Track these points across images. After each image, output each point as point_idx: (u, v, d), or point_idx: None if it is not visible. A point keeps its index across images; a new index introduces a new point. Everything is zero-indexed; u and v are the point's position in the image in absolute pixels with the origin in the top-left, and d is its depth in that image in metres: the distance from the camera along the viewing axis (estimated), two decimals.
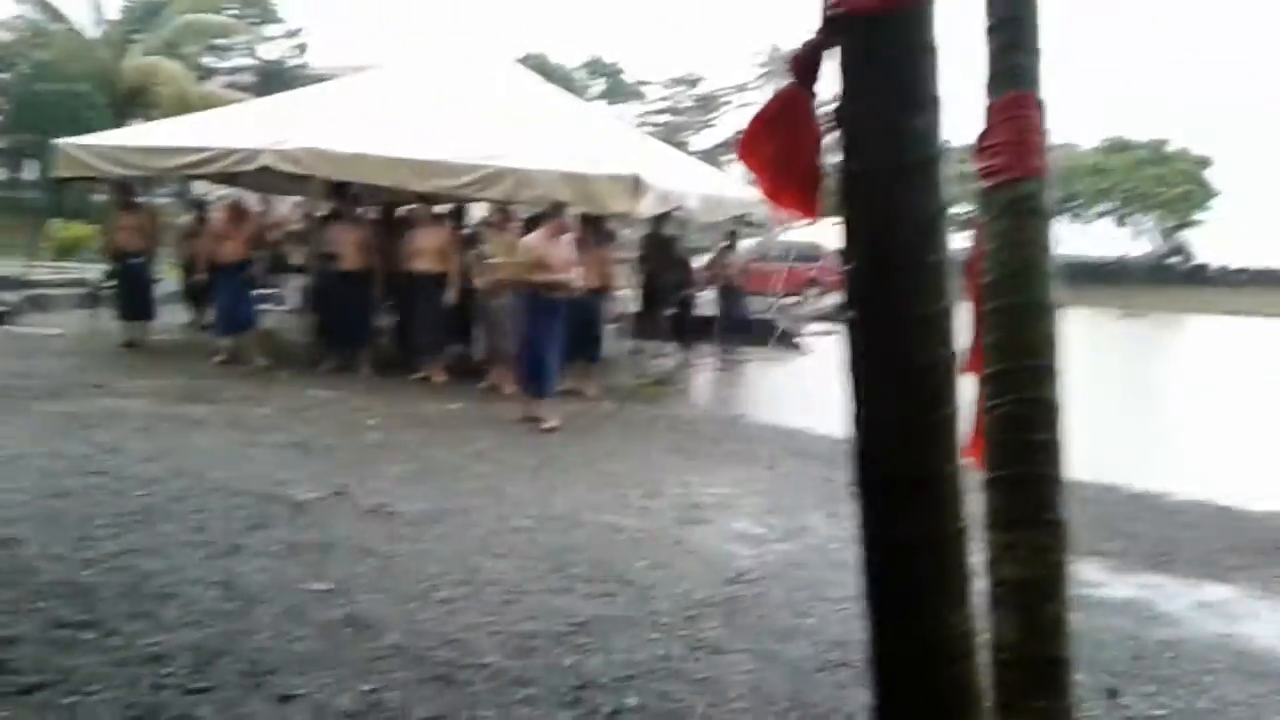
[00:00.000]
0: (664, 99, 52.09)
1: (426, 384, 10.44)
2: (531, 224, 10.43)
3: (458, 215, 12.38)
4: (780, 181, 2.25)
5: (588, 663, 3.99)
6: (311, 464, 6.86)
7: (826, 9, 1.99)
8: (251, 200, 14.36)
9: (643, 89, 51.82)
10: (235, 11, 32.99)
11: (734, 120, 60.86)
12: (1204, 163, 44.36)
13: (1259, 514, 7.13)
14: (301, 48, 41.14)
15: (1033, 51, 2.23)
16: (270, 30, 39.87)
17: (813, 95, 2.13)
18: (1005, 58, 2.21)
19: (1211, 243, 47.49)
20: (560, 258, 8.75)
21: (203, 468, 6.50)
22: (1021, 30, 2.22)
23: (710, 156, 39.20)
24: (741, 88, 56.40)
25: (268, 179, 12.33)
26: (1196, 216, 44.99)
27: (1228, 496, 7.59)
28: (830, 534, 5.97)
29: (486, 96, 12.28)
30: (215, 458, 6.81)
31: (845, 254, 2.05)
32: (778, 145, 2.19)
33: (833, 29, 2.00)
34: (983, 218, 2.26)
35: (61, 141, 12.22)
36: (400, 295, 11.17)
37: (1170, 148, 44.83)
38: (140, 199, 12.82)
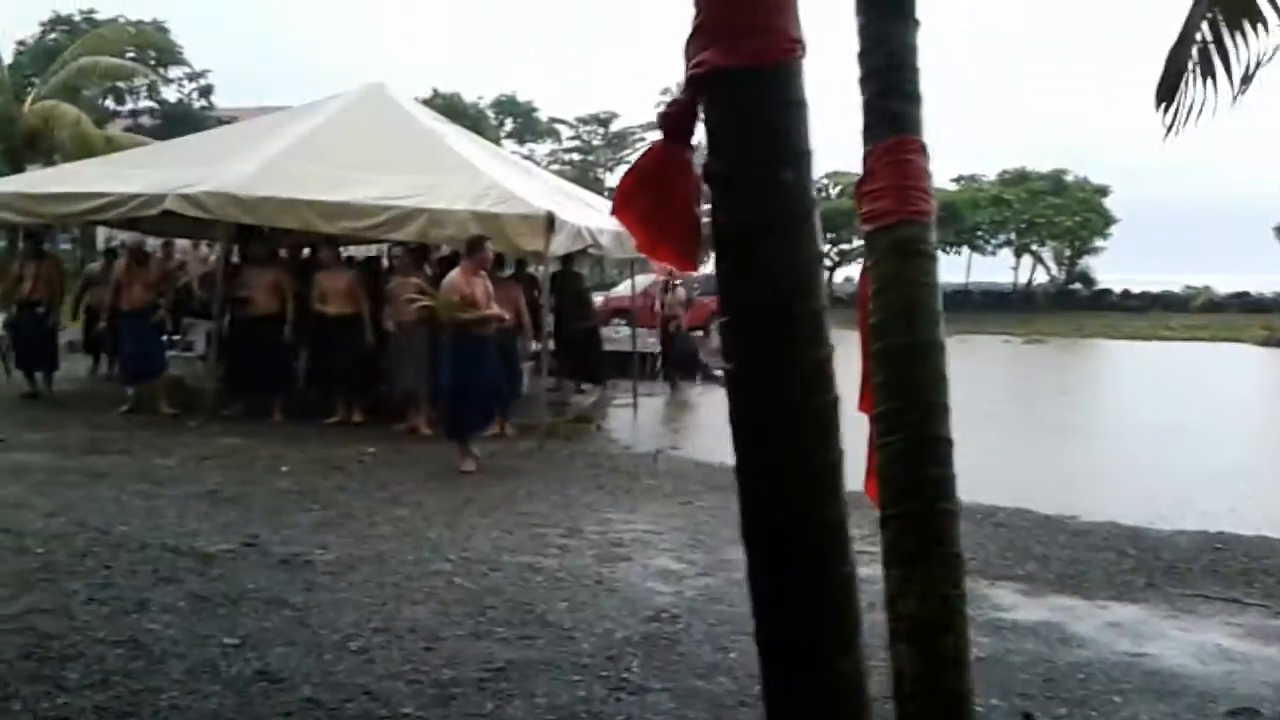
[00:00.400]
0: (576, 137, 52.39)
1: (340, 428, 10.30)
2: (446, 263, 10.46)
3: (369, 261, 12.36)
4: (656, 236, 2.28)
5: (508, 709, 3.95)
6: (222, 514, 6.70)
7: (690, 67, 2.02)
8: (155, 245, 14.13)
9: (556, 127, 52.02)
10: (135, 54, 32.36)
11: None
12: (1102, 191, 45.91)
13: (1165, 533, 7.35)
14: (205, 90, 40.56)
15: (912, 97, 2.30)
16: (173, 72, 39.26)
17: (686, 150, 2.16)
18: (883, 104, 2.27)
19: (1111, 269, 49.13)
20: (482, 294, 8.65)
21: (108, 521, 6.32)
22: (900, 76, 2.29)
23: None
24: (651, 125, 57.04)
25: (172, 223, 12.11)
26: (1096, 243, 46.46)
27: (1135, 517, 7.81)
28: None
29: (396, 137, 12.23)
30: (121, 511, 6.63)
31: (721, 306, 2.09)
32: (652, 200, 2.22)
33: (699, 86, 2.03)
34: (868, 260, 2.32)
35: None
36: (313, 338, 11.02)
37: (1069, 178, 46.29)
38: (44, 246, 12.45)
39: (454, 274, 8.75)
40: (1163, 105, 4.25)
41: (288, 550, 5.91)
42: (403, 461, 8.81)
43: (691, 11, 2.01)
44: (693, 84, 2.04)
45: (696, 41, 2.00)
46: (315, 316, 10.77)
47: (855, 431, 2.58)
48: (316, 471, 8.20)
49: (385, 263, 12.96)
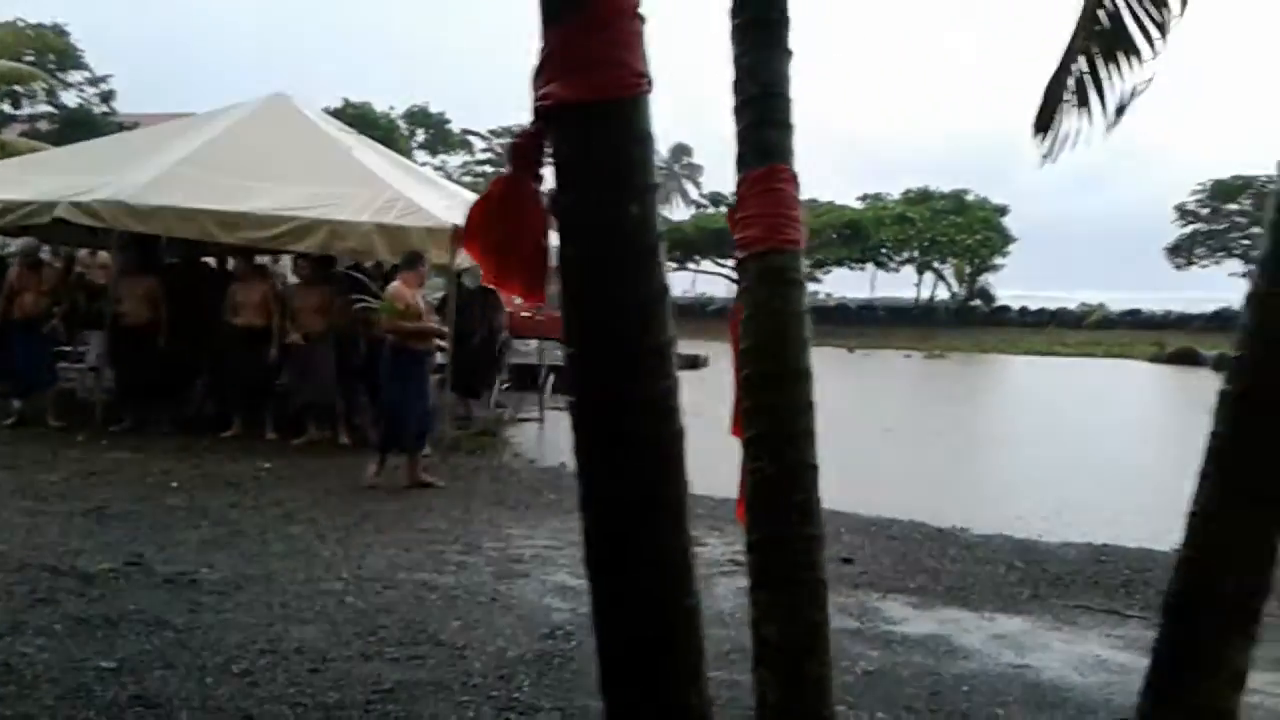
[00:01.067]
0: (489, 150, 52.12)
1: (235, 442, 10.07)
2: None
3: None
4: (504, 267, 2.28)
5: None
6: (106, 532, 6.50)
7: (536, 99, 2.02)
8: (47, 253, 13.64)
9: (469, 139, 51.72)
10: (33, 58, 31.39)
11: None
12: (1002, 210, 47.26)
13: (1052, 545, 7.56)
14: (106, 95, 39.40)
15: (785, 126, 2.33)
16: (74, 76, 38.11)
17: (534, 181, 2.16)
18: (756, 133, 2.30)
19: (1010, 285, 50.52)
20: (423, 308, 8.60)
21: None
22: (772, 106, 2.32)
23: None
24: None
25: (65, 231, 11.74)
26: (996, 261, 47.78)
27: (1025, 530, 8.02)
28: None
29: (300, 147, 12.04)
30: (0, 529, 6.38)
31: (566, 339, 2.10)
32: (500, 232, 2.22)
33: (545, 119, 2.04)
34: (740, 286, 2.35)
35: None
36: (219, 350, 10.75)
37: (970, 197, 47.55)
38: None
39: (396, 284, 8.65)
40: (1040, 134, 4.40)
41: (173, 569, 5.76)
42: (299, 477, 8.65)
43: (539, 43, 2.01)
44: (539, 116, 2.03)
45: (543, 74, 1.99)
46: (225, 328, 10.54)
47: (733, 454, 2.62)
48: (208, 487, 8.00)
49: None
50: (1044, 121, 4.39)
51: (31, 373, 10.59)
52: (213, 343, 10.77)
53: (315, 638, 4.83)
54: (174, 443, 9.87)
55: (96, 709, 3.91)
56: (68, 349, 12.82)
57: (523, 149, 2.11)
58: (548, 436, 13.00)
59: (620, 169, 1.99)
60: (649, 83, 2.01)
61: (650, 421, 2.04)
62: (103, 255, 14.65)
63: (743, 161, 2.43)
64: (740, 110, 2.41)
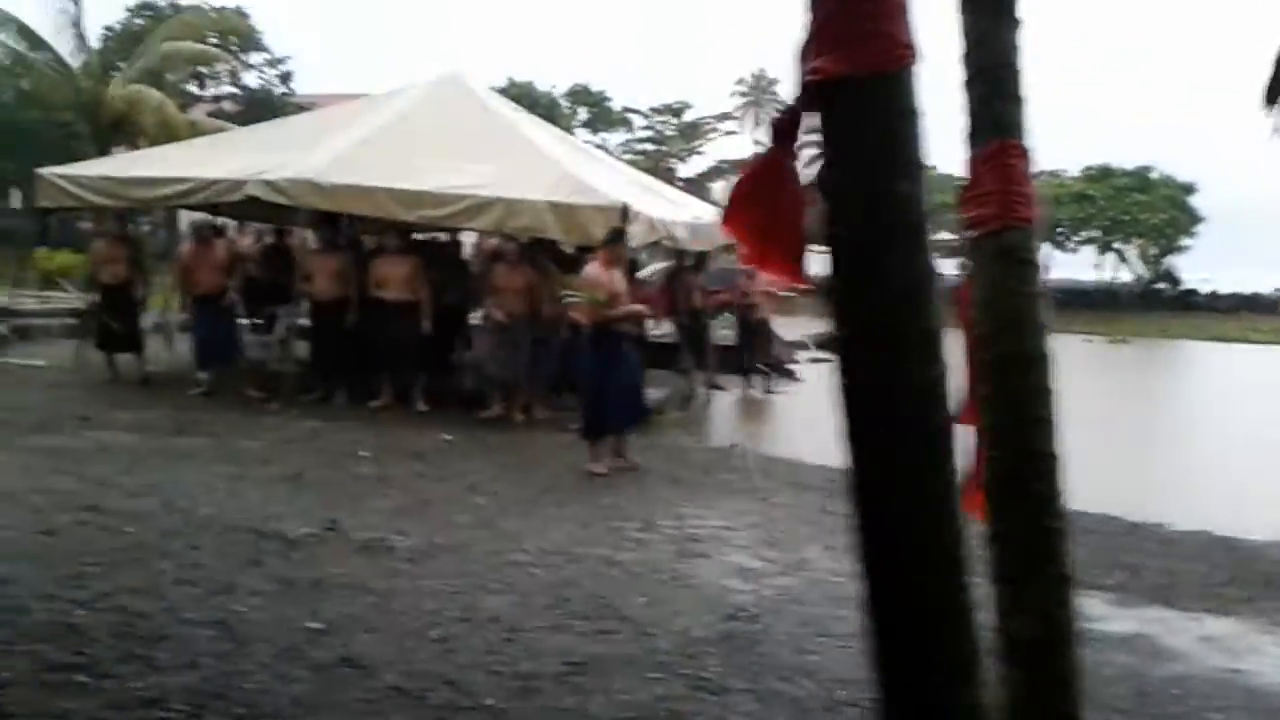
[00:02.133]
0: (649, 128, 52.29)
1: (417, 415, 10.36)
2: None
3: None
4: (765, 248, 2.23)
5: (589, 704, 3.93)
6: (303, 498, 6.79)
7: (802, 75, 1.96)
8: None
9: (628, 117, 51.98)
10: (217, 40, 32.96)
11: (719, 148, 61.04)
12: (1189, 189, 44.79)
13: (1258, 544, 7.14)
14: (285, 75, 41.16)
15: (1016, 99, 2.22)
16: (254, 58, 39.91)
17: (795, 160, 2.11)
18: (987, 107, 2.19)
19: (1198, 268, 47.89)
20: (620, 288, 8.34)
21: (194, 502, 6.43)
22: (1003, 78, 2.21)
23: (696, 185, 39.40)
24: (726, 116, 56.81)
25: (253, 208, 12.30)
26: (1183, 242, 45.36)
27: (1225, 526, 7.60)
28: (830, 568, 5.93)
29: (473, 126, 12.29)
30: (207, 492, 6.74)
31: (833, 320, 2.03)
32: (761, 210, 2.17)
33: (810, 95, 1.98)
34: (971, 268, 2.25)
35: (44, 171, 12.16)
36: (368, 323, 10.97)
37: (1154, 174, 45.24)
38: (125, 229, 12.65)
39: (593, 267, 8.41)
40: (1271, 105, 4.11)
41: (368, 536, 5.97)
42: (480, 450, 8.86)
43: (805, 19, 1.96)
44: (806, 92, 1.98)
45: (810, 49, 1.94)
46: (372, 302, 10.80)
47: None
48: (395, 458, 8.27)
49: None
50: (1276, 92, 4.10)
51: (213, 345, 11.07)
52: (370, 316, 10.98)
53: (506, 608, 4.94)
54: (360, 413, 10.23)
55: (308, 668, 4.08)
56: (257, 322, 13.47)
57: (784, 125, 2.07)
58: (714, 415, 13.00)
59: (890, 144, 1.94)
60: (916, 54, 1.94)
61: (921, 407, 1.97)
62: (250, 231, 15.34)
63: (974, 137, 2.32)
64: (970, 84, 2.30)
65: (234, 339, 11.37)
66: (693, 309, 13.71)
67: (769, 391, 14.70)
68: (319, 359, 11.17)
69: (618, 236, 8.64)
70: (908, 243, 1.96)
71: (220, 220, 13.24)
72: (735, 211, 2.22)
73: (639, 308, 8.43)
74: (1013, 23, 2.26)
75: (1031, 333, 2.22)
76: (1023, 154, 2.27)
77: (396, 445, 8.79)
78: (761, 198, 2.16)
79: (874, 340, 1.99)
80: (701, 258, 14.56)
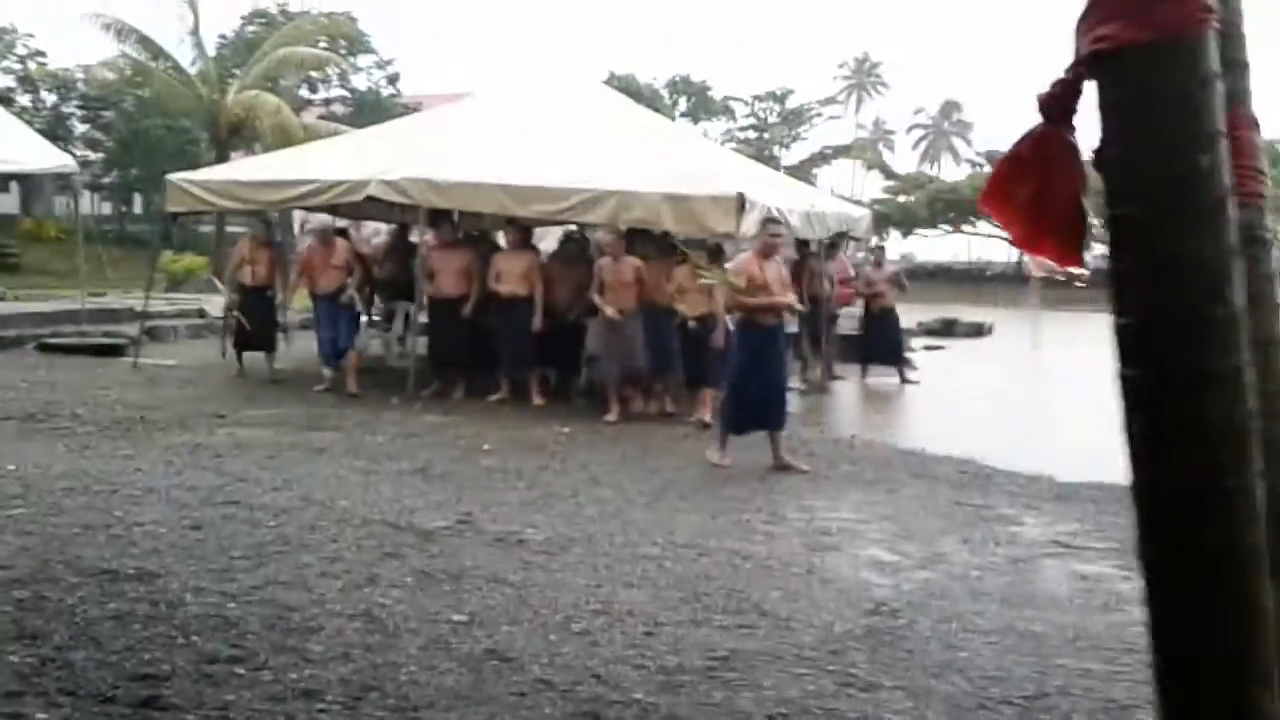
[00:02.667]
0: (751, 115, 51.94)
1: (534, 409, 10.43)
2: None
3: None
4: (1036, 228, 2.11)
5: (737, 699, 3.88)
6: (434, 491, 6.88)
7: (1087, 43, 1.85)
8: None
9: (730, 105, 51.69)
10: (327, 44, 33.74)
11: (822, 134, 60.26)
12: None
13: None
14: (392, 77, 41.91)
15: (1240, 65, 2.07)
16: (362, 60, 40.73)
17: (1072, 134, 1.99)
18: None
19: None
20: (774, 278, 8.12)
21: (331, 496, 6.56)
22: (1228, 45, 2.07)
23: (800, 171, 39.01)
24: (830, 100, 56.16)
25: (369, 208, 12.56)
26: None
27: None
28: (969, 561, 5.80)
29: (580, 119, 12.34)
30: (342, 486, 6.88)
31: (1116, 306, 1.91)
32: (1031, 190, 2.05)
33: (1094, 64, 1.86)
34: None
35: (173, 177, 12.58)
36: (491, 318, 11.10)
37: None
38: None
39: (745, 255, 8.36)
40: None
41: (500, 528, 6.02)
42: (599, 442, 8.88)
43: None
44: (1090, 61, 1.87)
45: (1095, 14, 1.83)
46: (490, 296, 10.90)
47: None
48: (517, 451, 8.34)
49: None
50: None
51: (335, 341, 11.30)
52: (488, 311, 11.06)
53: (643, 601, 4.92)
54: (479, 407, 10.35)
55: (455, 660, 4.11)
56: (376, 318, 13.74)
57: (1060, 99, 1.96)
58: (835, 406, 12.84)
59: (1187, 115, 1.81)
60: (1214, 17, 1.82)
61: (1219, 400, 1.84)
62: (365, 229, 15.64)
63: None
64: None
65: (350, 335, 11.58)
66: (816, 297, 13.45)
67: (905, 381, 14.34)
68: (438, 354, 11.31)
69: (765, 225, 8.44)
70: (1209, 221, 1.83)
71: (342, 221, 13.54)
72: (998, 192, 2.12)
73: (778, 299, 8.09)
74: None
75: (1268, 316, 2.08)
76: (1249, 124, 2.14)
77: (517, 438, 8.87)
78: (1031, 176, 2.05)
79: (1168, 328, 1.85)
80: (833, 245, 14.39)
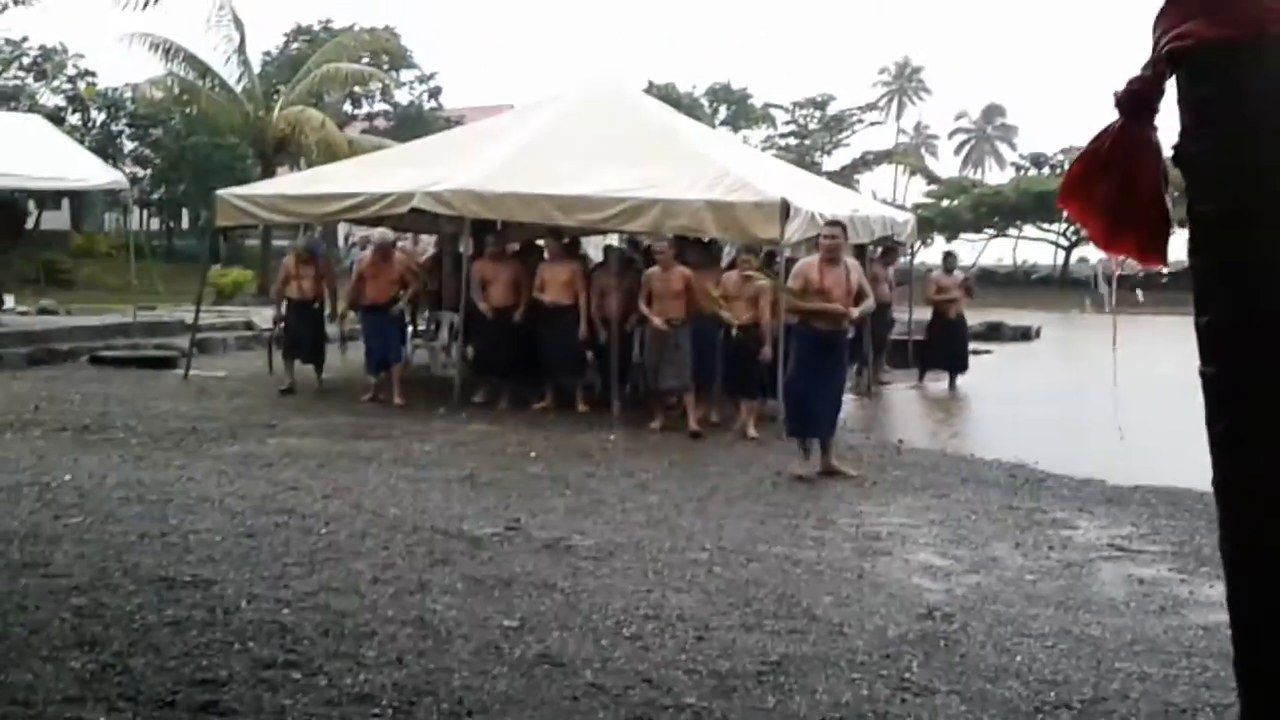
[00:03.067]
0: (791, 122, 51.76)
1: (580, 416, 10.44)
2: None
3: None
4: (1117, 225, 2.09)
5: (791, 704, 3.86)
6: (482, 498, 6.92)
7: (1167, 40, 1.83)
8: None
9: (770, 113, 51.53)
10: (369, 59, 34.08)
11: (863, 140, 59.49)
12: None
13: None
14: (435, 91, 42.25)
15: None
16: (404, 75, 41.09)
17: (1152, 131, 1.97)
18: None
19: None
20: (835, 283, 7.87)
21: (380, 504, 6.62)
22: None
23: (842, 177, 38.82)
24: (871, 106, 55.84)
25: (413, 219, 12.66)
26: None
27: None
28: (1022, 565, 5.74)
29: (627, 128, 12.36)
30: (391, 493, 6.95)
31: (1198, 304, 1.88)
32: (1112, 187, 2.04)
33: (1174, 61, 1.84)
34: None
35: (222, 192, 12.78)
36: (536, 327, 11.00)
37: None
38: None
39: (807, 259, 8.26)
40: None
41: (549, 535, 6.04)
42: (645, 449, 8.89)
43: None
44: (1171, 58, 1.85)
45: (1175, 11, 1.82)
46: (534, 304, 10.86)
47: None
48: (563, 458, 8.37)
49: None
50: None
51: (382, 351, 11.37)
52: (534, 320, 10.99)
53: (693, 606, 4.91)
54: (524, 415, 10.38)
55: (508, 665, 4.13)
56: (422, 329, 13.84)
57: (1140, 95, 1.94)
58: (880, 409, 12.76)
59: (1270, 112, 1.79)
60: None
61: None
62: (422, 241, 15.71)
63: None
64: None
65: (398, 346, 11.66)
66: (880, 301, 13.27)
67: (952, 387, 14.19)
68: (484, 363, 11.35)
69: (834, 230, 8.23)
70: None
71: (394, 235, 13.62)
72: (1075, 189, 2.11)
73: (831, 305, 7.81)
74: None
75: None
76: None
77: (563, 445, 8.89)
78: (1111, 173, 2.03)
79: (1254, 324, 1.83)
80: (891, 249, 14.31)
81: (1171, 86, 1.94)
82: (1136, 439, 10.00)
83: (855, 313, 7.99)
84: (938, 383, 14.32)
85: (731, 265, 10.54)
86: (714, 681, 4.04)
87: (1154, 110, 1.94)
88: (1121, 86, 1.98)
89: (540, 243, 11.77)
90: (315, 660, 4.10)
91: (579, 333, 10.65)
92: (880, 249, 14.06)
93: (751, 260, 9.74)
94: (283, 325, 12.16)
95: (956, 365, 14.23)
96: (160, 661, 4.00)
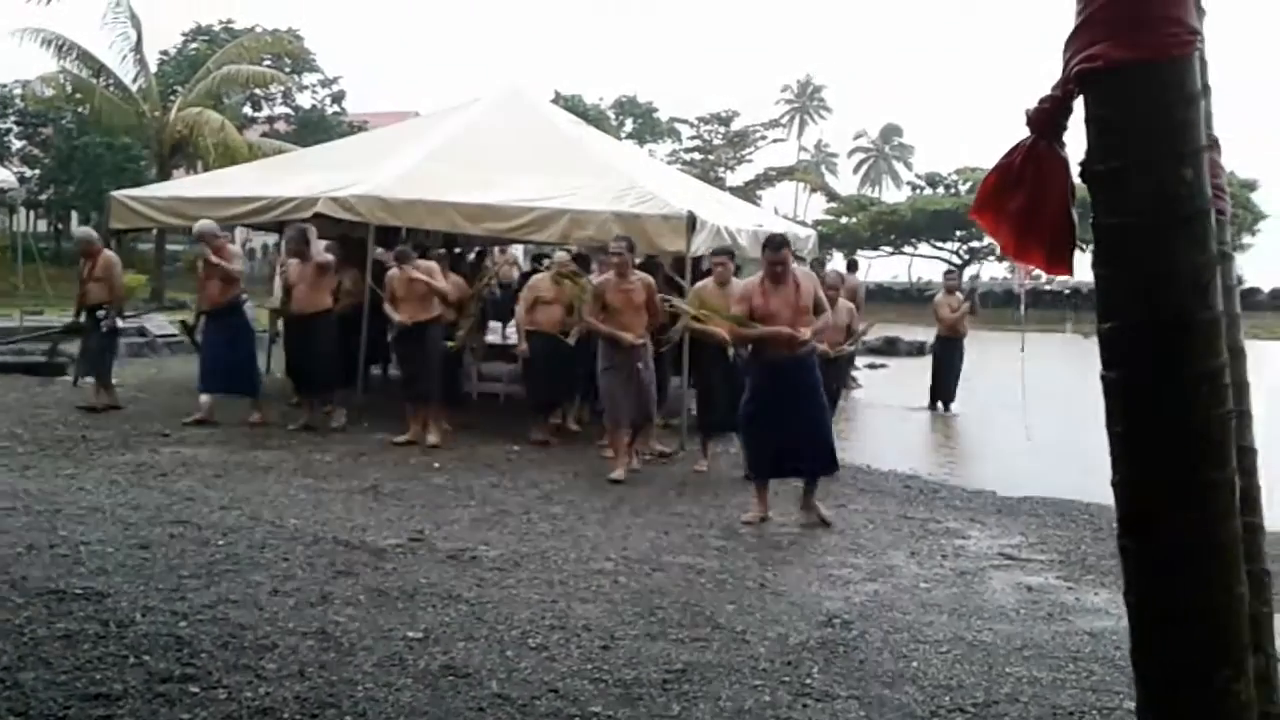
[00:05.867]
0: (696, 137, 52.27)
1: (482, 428, 10.36)
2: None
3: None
4: (1025, 238, 2.19)
5: (695, 711, 3.92)
6: (385, 509, 6.84)
7: (1077, 62, 1.94)
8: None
9: (676, 127, 51.97)
10: (271, 62, 33.42)
11: (767, 156, 60.26)
12: (1250, 186, 43.90)
13: None
14: (338, 95, 41.62)
15: (1205, 89, 2.18)
16: (307, 78, 40.41)
17: (1061, 147, 2.08)
18: None
19: (1261, 267, 46.73)
20: (784, 305, 6.91)
21: (280, 515, 6.51)
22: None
23: (745, 192, 39.30)
24: (774, 124, 56.67)
25: (322, 226, 12.45)
26: (1244, 240, 44.39)
27: None
28: (917, 574, 5.90)
29: (535, 139, 12.37)
30: (291, 504, 6.83)
31: (1106, 312, 1.99)
32: (1021, 201, 2.14)
33: (1083, 82, 1.95)
34: None
35: (117, 194, 12.42)
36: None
37: None
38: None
39: (749, 281, 7.31)
40: None
41: (453, 546, 6.01)
42: (549, 460, 8.88)
43: (1078, 3, 1.93)
44: (1080, 79, 1.95)
45: (1085, 34, 1.91)
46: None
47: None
48: (468, 469, 8.32)
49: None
50: None
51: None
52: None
53: (598, 616, 4.94)
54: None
55: (412, 676, 4.11)
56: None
57: (1050, 114, 2.04)
58: None
59: (1175, 130, 1.90)
60: (1201, 39, 1.91)
61: (1201, 401, 1.93)
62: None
63: None
64: None
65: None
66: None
67: (946, 408, 14.09)
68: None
69: (770, 244, 7.15)
70: (1193, 231, 1.92)
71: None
72: (988, 202, 2.20)
73: (781, 329, 6.84)
74: (1199, 12, 2.24)
75: (1229, 326, 2.19)
76: (1213, 144, 2.24)
77: (468, 456, 8.84)
78: (1021, 188, 2.13)
79: (1155, 331, 1.94)
80: (854, 262, 14.15)
81: (1080, 106, 2.05)
82: (1028, 452, 10.34)
83: (806, 333, 6.93)
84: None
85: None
86: (619, 690, 4.08)
87: (1063, 128, 2.05)
88: (1033, 105, 2.09)
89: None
90: (214, 673, 4.03)
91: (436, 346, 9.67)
92: (848, 263, 13.90)
93: (567, 263, 9.74)
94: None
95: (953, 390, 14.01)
96: (51, 676, 3.89)
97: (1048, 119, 2.04)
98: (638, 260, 9.41)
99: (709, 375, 9.01)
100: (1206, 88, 2.18)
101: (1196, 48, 1.91)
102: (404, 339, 9.61)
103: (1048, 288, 38.12)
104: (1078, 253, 2.21)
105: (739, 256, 12.45)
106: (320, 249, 10.25)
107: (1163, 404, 1.93)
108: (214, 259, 10.10)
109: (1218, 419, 1.92)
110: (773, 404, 6.97)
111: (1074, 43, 1.94)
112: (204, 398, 10.08)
